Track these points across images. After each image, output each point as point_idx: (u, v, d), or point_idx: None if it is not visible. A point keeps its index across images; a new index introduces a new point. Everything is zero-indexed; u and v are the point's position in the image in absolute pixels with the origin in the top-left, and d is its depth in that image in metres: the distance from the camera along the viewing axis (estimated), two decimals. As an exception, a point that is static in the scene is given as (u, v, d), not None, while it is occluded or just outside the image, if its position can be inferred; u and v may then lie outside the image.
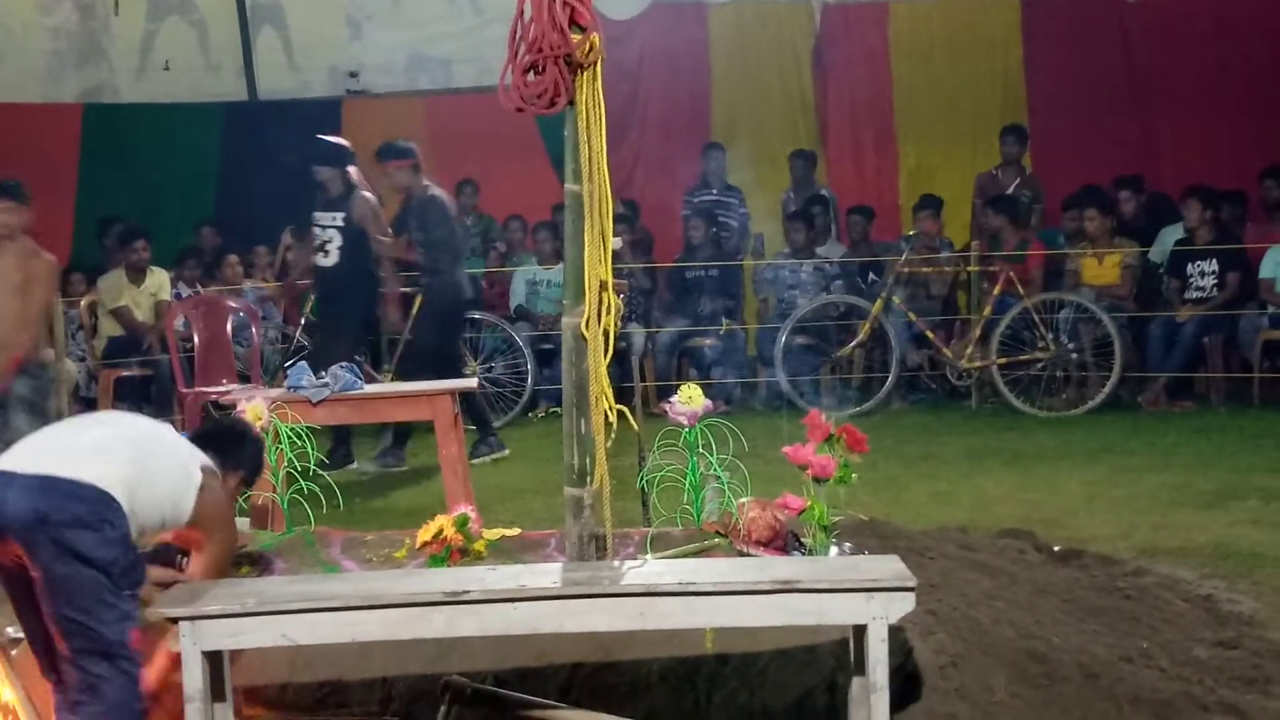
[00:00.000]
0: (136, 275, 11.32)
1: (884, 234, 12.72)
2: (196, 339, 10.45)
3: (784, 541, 4.79)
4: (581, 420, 4.27)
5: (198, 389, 9.86)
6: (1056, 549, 6.15)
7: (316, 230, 9.58)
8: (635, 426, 4.60)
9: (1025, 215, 12.13)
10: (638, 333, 11.61)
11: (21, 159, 13.13)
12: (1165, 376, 10.98)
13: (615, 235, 4.31)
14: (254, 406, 5.74)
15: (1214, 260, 11.00)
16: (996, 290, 11.22)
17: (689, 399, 5.07)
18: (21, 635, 4.20)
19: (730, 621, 3.96)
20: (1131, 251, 11.45)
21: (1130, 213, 11.97)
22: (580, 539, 4.33)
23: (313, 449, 5.60)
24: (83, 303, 11.43)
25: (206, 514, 4.21)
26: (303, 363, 7.15)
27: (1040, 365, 10.98)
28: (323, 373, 6.95)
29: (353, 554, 5.18)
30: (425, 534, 4.89)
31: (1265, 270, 10.92)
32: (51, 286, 8.39)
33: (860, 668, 3.84)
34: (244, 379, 10.18)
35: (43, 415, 7.45)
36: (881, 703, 3.73)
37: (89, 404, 10.81)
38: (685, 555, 4.75)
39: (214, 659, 3.83)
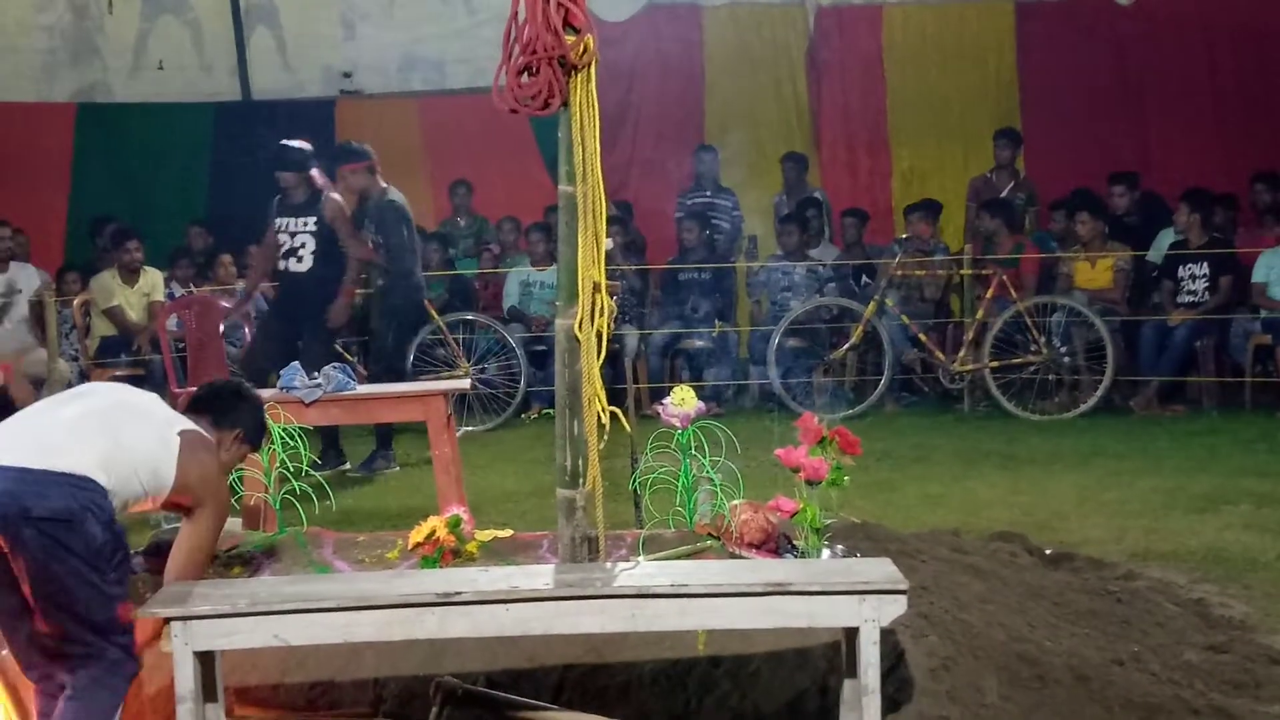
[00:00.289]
0: (129, 275, 11.31)
1: (877, 237, 12.74)
2: (189, 339, 10.44)
3: (776, 544, 4.79)
4: (574, 422, 4.28)
5: (190, 389, 9.82)
6: (1048, 552, 6.15)
7: (283, 237, 9.39)
8: (628, 428, 4.60)
9: (1020, 219, 12.15)
10: (631, 334, 11.61)
11: (15, 157, 13.17)
12: (1157, 380, 11.00)
13: (607, 236, 4.32)
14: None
15: (1205, 264, 11.02)
16: (989, 294, 11.24)
17: (682, 401, 5.07)
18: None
19: (722, 623, 3.97)
20: (1124, 255, 11.46)
21: (1124, 208, 11.97)
22: (573, 540, 4.33)
23: (305, 449, 5.60)
24: (76, 302, 11.41)
25: (190, 479, 4.16)
26: (295, 363, 7.14)
27: (1033, 369, 11.00)
28: (315, 373, 6.94)
29: (345, 555, 5.17)
30: (417, 535, 4.88)
31: (1257, 274, 10.94)
32: None
33: (852, 670, 3.84)
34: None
35: None
36: (873, 705, 3.73)
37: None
38: (677, 557, 4.75)
39: (206, 659, 3.82)
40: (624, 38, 13.21)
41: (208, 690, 3.84)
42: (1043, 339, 10.98)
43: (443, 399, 7.09)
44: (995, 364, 11.04)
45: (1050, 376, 11.01)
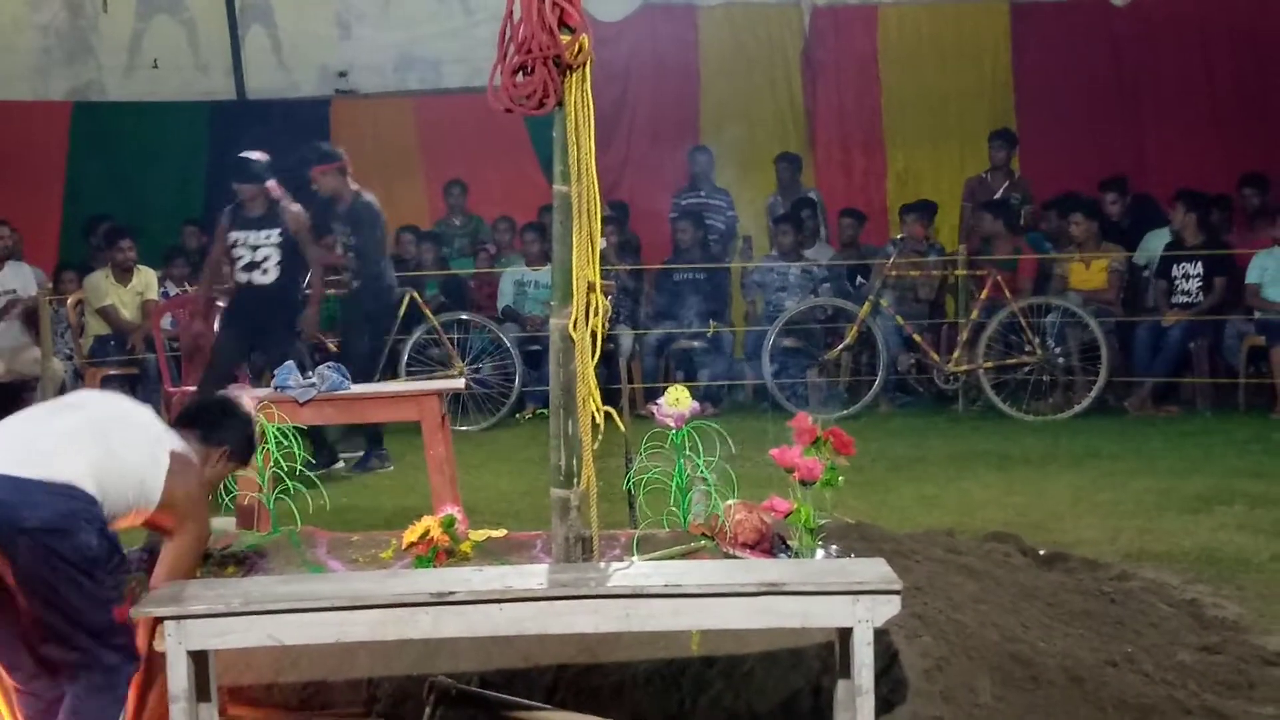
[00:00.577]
0: (123, 274, 11.30)
1: (872, 237, 12.75)
2: (182, 338, 10.42)
3: (770, 544, 4.78)
4: (569, 421, 4.28)
5: (184, 388, 9.83)
6: (1042, 553, 6.15)
7: (243, 250, 9.30)
8: (622, 428, 4.60)
9: (1016, 219, 12.17)
10: (626, 334, 11.61)
11: (10, 156, 13.16)
12: (1151, 381, 11.01)
13: (601, 236, 4.32)
14: (240, 406, 5.72)
15: (1199, 264, 11.03)
16: (984, 294, 11.25)
17: (676, 401, 5.07)
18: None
19: (716, 623, 3.96)
20: (1118, 256, 11.48)
21: (1116, 215, 12.01)
22: (567, 540, 4.33)
23: (299, 448, 5.59)
24: (70, 301, 11.40)
25: (175, 499, 4.13)
26: (290, 362, 7.13)
27: (1027, 369, 11.01)
28: (310, 372, 6.93)
29: (339, 554, 5.16)
30: (411, 535, 4.87)
31: (1251, 275, 10.95)
32: None
33: (846, 671, 3.84)
34: (230, 378, 10.16)
35: None
36: (867, 706, 3.73)
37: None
38: (672, 557, 4.74)
39: (199, 659, 3.82)
40: (619, 37, 13.22)
41: (201, 690, 3.83)
42: (1037, 340, 10.99)
43: (437, 399, 7.09)
44: (990, 364, 11.05)
45: (1045, 377, 11.02)
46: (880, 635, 3.95)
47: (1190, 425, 10.39)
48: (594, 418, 4.28)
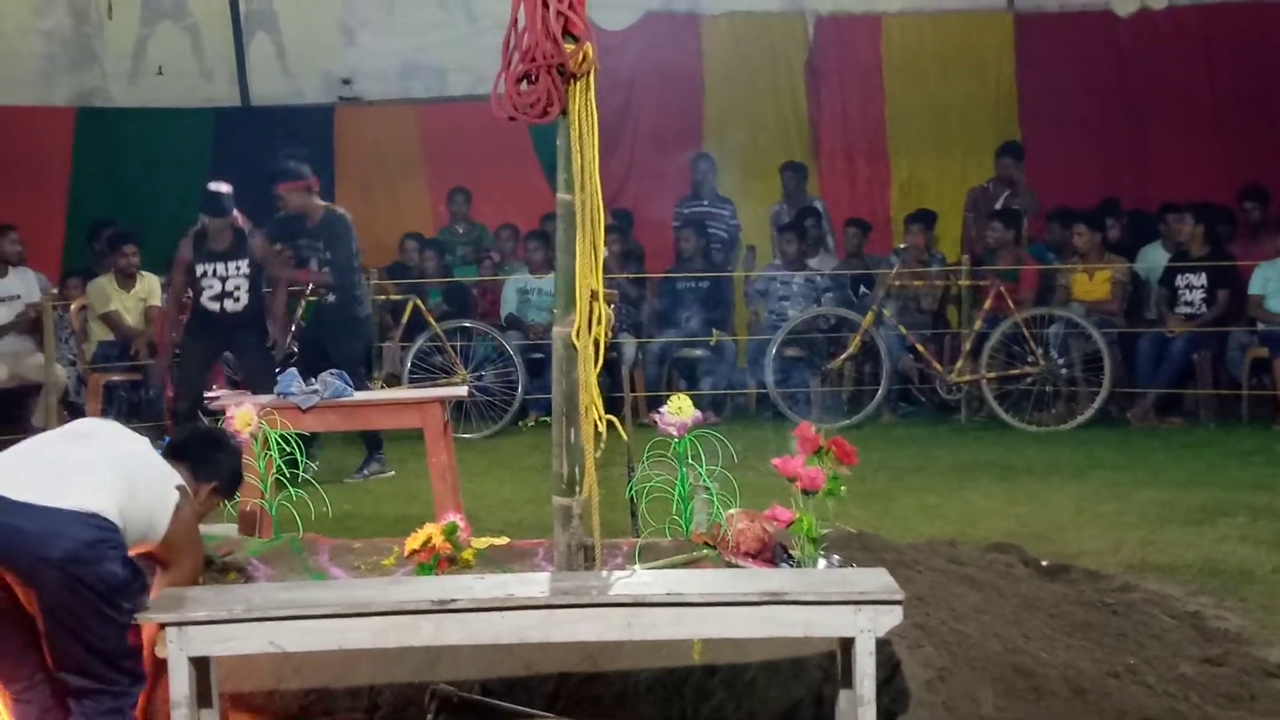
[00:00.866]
0: (126, 280, 11.30)
1: (875, 247, 12.74)
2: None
3: (772, 553, 4.79)
4: (571, 429, 4.28)
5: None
6: (1045, 564, 6.15)
7: (211, 281, 9.46)
8: (625, 436, 4.61)
9: (1020, 230, 12.17)
10: (628, 343, 11.61)
11: (14, 162, 13.16)
12: (1154, 392, 11.00)
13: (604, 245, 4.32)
14: (243, 412, 5.74)
15: (1203, 275, 11.03)
16: (987, 305, 11.24)
17: (678, 409, 5.08)
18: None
19: (718, 632, 3.97)
20: (1121, 267, 11.48)
21: (1116, 238, 12.03)
22: (569, 548, 4.33)
23: (302, 455, 5.59)
24: (73, 307, 11.40)
25: (176, 536, 4.16)
26: (292, 369, 7.14)
27: (1030, 380, 11.00)
28: (313, 379, 6.94)
29: (341, 561, 5.16)
30: (413, 542, 4.87)
31: (1254, 287, 10.94)
32: None
33: (847, 680, 3.84)
34: (233, 385, 10.17)
35: None
36: (868, 716, 3.73)
37: (78, 409, 10.78)
38: (673, 566, 4.75)
39: (201, 665, 3.82)
40: (623, 46, 13.21)
41: (202, 696, 3.84)
42: (1040, 350, 10.98)
43: (439, 406, 7.10)
44: (993, 375, 11.05)
45: (1047, 388, 11.01)
46: (882, 645, 3.95)
47: (1193, 437, 10.38)
48: (596, 426, 4.29)
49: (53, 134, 13.70)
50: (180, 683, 3.74)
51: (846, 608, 3.75)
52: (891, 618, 3.75)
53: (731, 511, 4.91)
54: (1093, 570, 6.19)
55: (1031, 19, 13.42)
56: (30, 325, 11.07)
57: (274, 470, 5.59)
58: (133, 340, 11.18)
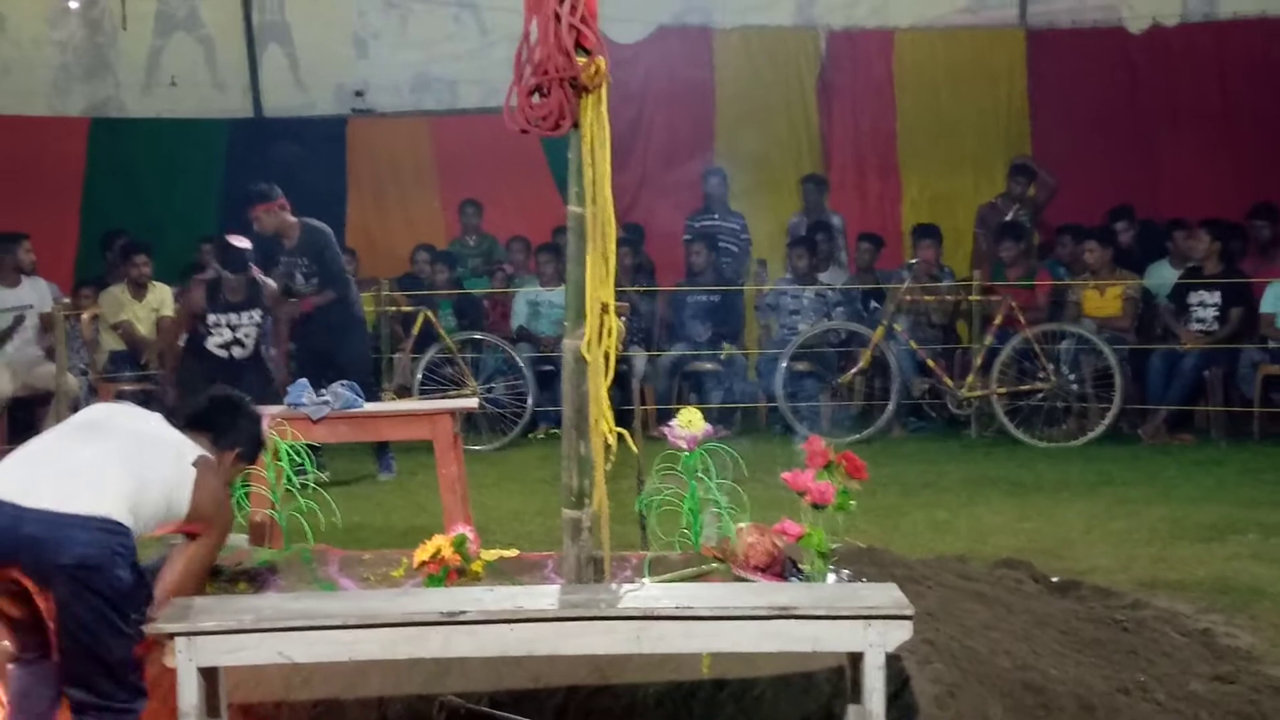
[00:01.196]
0: (138, 290, 11.34)
1: (886, 262, 12.74)
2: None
3: (782, 567, 4.78)
4: (581, 442, 4.28)
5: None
6: (1055, 580, 6.14)
7: (222, 330, 9.73)
8: (635, 449, 4.60)
9: (1031, 245, 12.17)
10: (639, 356, 11.61)
11: (28, 171, 13.21)
12: (1166, 409, 10.98)
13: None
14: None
15: (1217, 293, 11.01)
16: (997, 320, 11.23)
17: (689, 423, 5.07)
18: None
19: (727, 646, 3.96)
20: (1133, 284, 11.47)
21: (1126, 244, 12.01)
22: (578, 561, 4.32)
23: (312, 466, 5.60)
24: (85, 316, 11.42)
25: (202, 508, 4.21)
26: (303, 379, 7.14)
27: (1040, 396, 10.98)
28: (323, 390, 6.94)
29: (350, 572, 5.17)
30: (423, 554, 4.88)
31: (1266, 305, 10.92)
32: None
33: (856, 696, 3.83)
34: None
35: None
36: (877, 731, 3.72)
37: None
38: (683, 579, 4.74)
39: (209, 675, 3.82)
40: (635, 60, 13.24)
41: (211, 707, 3.84)
42: (1051, 366, 10.97)
43: (450, 418, 7.10)
44: (1003, 390, 11.03)
45: (1058, 404, 11.00)
46: (891, 660, 3.94)
47: (1204, 454, 10.36)
48: (606, 439, 4.28)
49: (66, 144, 13.76)
50: (189, 693, 3.75)
51: (856, 623, 3.74)
52: (901, 633, 3.75)
53: (741, 525, 4.90)
54: (1103, 587, 6.18)
55: (1044, 35, 13.43)
56: (41, 334, 11.09)
57: (284, 481, 5.59)
58: (144, 350, 11.21)
